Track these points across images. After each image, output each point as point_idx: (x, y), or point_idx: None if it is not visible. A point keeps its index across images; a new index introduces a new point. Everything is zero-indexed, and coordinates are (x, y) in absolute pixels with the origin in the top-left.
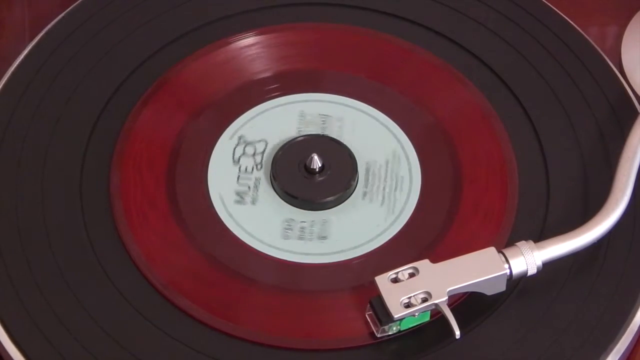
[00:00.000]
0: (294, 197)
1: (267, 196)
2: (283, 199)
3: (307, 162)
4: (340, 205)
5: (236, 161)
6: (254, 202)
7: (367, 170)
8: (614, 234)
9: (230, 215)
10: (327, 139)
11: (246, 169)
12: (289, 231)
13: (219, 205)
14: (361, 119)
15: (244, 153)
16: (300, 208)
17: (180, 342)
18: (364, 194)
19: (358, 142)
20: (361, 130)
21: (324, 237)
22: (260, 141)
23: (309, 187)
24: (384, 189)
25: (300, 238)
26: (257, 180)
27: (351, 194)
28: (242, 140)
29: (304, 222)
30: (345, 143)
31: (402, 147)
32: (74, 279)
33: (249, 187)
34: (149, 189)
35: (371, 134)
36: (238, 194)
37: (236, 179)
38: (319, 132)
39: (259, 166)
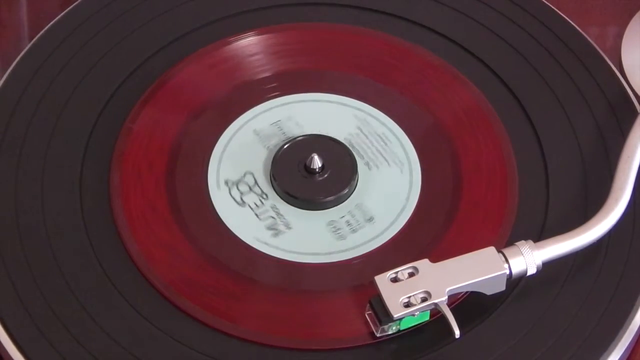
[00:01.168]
0: (294, 197)
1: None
2: (283, 199)
3: (307, 162)
4: (340, 205)
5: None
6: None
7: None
8: (613, 234)
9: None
10: (327, 139)
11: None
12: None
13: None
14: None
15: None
16: (300, 208)
17: (180, 342)
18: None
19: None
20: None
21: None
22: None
23: (309, 187)
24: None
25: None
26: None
27: (351, 193)
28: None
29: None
30: (344, 143)
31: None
32: (74, 279)
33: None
34: (149, 189)
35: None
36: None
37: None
38: (318, 132)
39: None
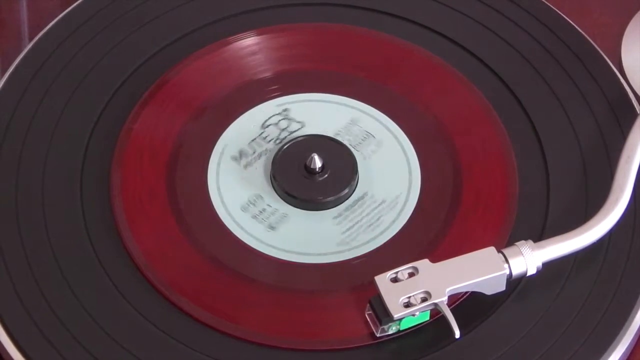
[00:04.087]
0: (294, 197)
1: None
2: (283, 199)
3: (307, 162)
4: (341, 206)
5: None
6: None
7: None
8: (614, 234)
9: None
10: (327, 139)
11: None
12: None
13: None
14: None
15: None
16: (301, 208)
17: (180, 342)
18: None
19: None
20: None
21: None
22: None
23: (309, 187)
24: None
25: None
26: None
27: (351, 194)
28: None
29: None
30: (345, 143)
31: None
32: (74, 278)
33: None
34: (149, 189)
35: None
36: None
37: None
38: (318, 132)
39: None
